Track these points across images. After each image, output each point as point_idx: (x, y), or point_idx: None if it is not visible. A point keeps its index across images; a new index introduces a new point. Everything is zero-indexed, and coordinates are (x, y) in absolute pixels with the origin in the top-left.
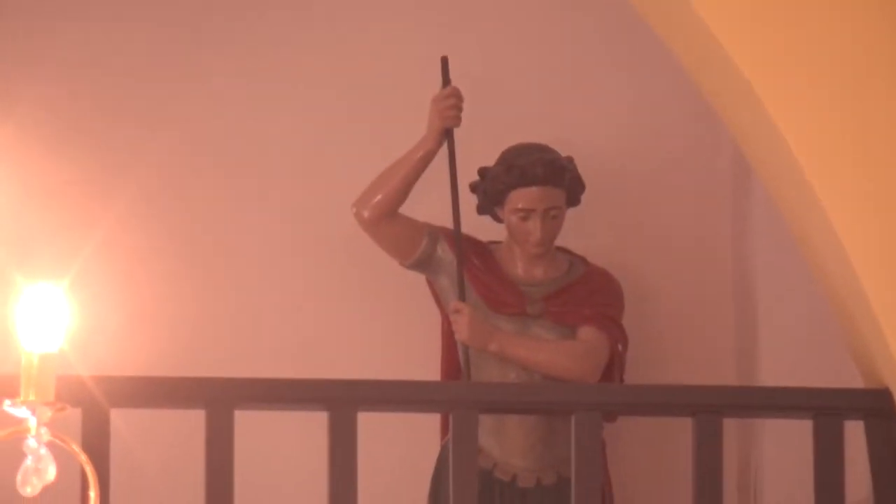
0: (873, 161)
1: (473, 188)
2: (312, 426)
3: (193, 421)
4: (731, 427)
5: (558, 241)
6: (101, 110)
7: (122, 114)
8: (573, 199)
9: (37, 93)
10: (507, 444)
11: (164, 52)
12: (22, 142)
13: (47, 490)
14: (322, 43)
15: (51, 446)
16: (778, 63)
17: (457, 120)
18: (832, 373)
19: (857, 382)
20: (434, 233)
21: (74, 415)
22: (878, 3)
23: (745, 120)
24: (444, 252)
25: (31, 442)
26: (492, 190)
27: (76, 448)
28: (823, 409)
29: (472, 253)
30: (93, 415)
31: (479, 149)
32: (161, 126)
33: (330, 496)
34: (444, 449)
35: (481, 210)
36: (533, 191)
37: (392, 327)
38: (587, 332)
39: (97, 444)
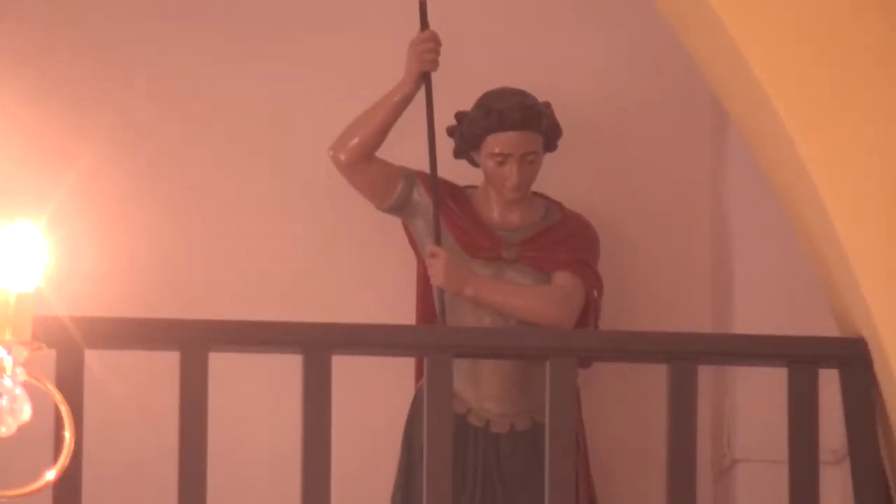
0: (853, 114)
1: (450, 132)
2: (287, 369)
3: (168, 362)
4: (706, 374)
5: (535, 186)
6: (78, 55)
7: (98, 57)
8: (550, 144)
9: (12, 41)
10: (481, 389)
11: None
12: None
13: (22, 429)
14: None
15: (26, 386)
16: (760, 16)
17: (434, 64)
18: (808, 321)
19: (833, 331)
20: (411, 176)
21: (50, 355)
22: None
23: (724, 70)
24: (421, 196)
25: (6, 381)
26: (469, 134)
27: (51, 388)
28: (798, 357)
29: (448, 197)
30: (68, 355)
31: (457, 93)
32: (138, 68)
33: (304, 439)
34: (418, 393)
35: (458, 154)
36: (510, 135)
37: (368, 271)
38: (563, 278)
39: (72, 384)
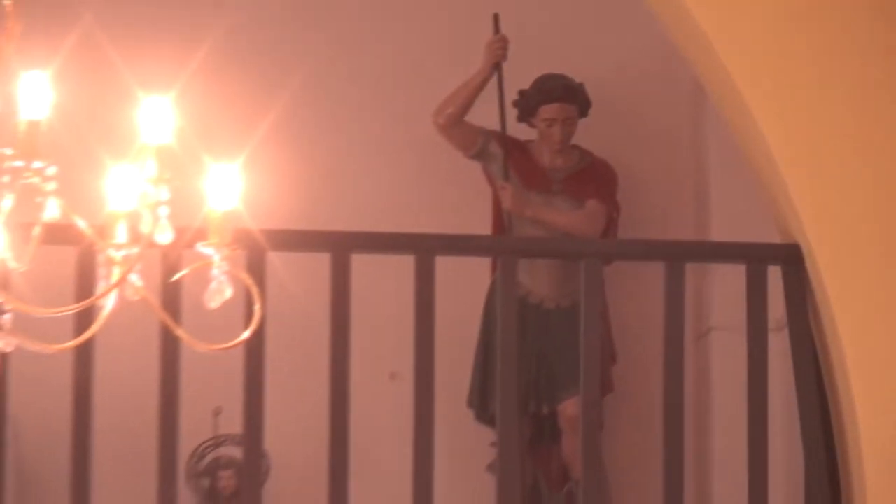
0: (798, 80)
1: (515, 104)
2: (400, 269)
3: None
4: (691, 265)
5: (573, 141)
6: (277, 18)
7: (288, 24)
8: (583, 112)
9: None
10: (536, 278)
11: None
12: (214, 47)
13: (225, 305)
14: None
15: (228, 275)
16: (731, 18)
17: (504, 57)
18: (764, 229)
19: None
20: (487, 134)
21: (243, 255)
22: None
23: (699, 58)
24: (495, 148)
25: (215, 271)
26: (527, 105)
27: (244, 275)
28: (753, 257)
29: (513, 148)
30: (255, 255)
31: (519, 76)
32: (312, 38)
33: (416, 317)
34: (493, 282)
35: (520, 119)
36: (555, 106)
37: (459, 199)
38: (592, 204)
39: (257, 276)
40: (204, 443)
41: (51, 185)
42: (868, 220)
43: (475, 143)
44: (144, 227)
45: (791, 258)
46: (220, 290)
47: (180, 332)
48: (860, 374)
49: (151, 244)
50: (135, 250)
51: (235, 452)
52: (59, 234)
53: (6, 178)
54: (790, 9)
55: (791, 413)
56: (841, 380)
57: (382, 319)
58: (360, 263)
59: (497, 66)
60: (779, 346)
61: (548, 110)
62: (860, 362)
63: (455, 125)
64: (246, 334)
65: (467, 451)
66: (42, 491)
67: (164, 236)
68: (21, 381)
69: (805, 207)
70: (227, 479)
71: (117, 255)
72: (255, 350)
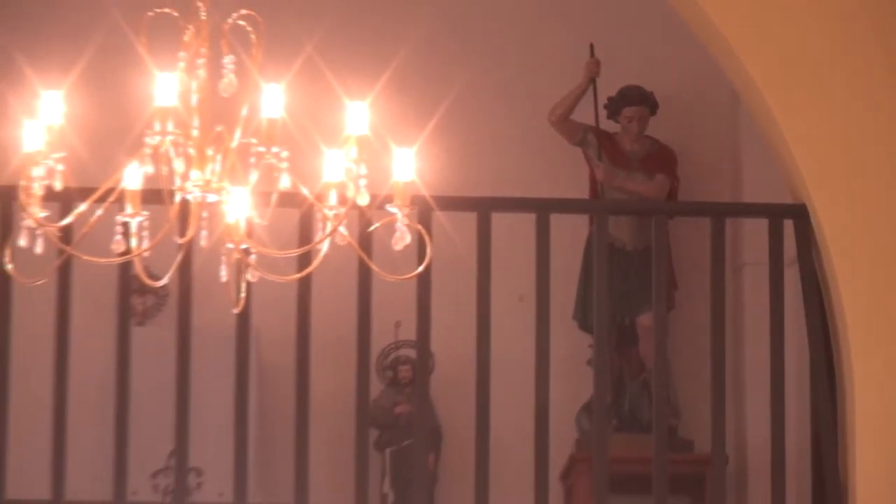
0: (806, 78)
1: (605, 106)
2: (525, 223)
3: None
4: (729, 222)
5: (646, 132)
6: (440, 40)
7: (450, 44)
8: (653, 111)
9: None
10: (621, 229)
11: None
12: (396, 67)
13: (405, 248)
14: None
15: (407, 226)
16: (757, 33)
17: (597, 73)
18: (781, 194)
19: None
20: (586, 128)
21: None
22: None
23: (732, 69)
24: (591, 138)
25: (398, 224)
26: (614, 107)
27: (419, 226)
28: (773, 213)
29: (604, 137)
30: (425, 213)
31: (608, 87)
32: (465, 54)
33: (537, 256)
34: (591, 232)
35: (608, 117)
36: (633, 108)
37: (566, 172)
38: (660, 177)
39: (427, 228)
40: (388, 346)
41: (284, 165)
42: (857, 187)
43: (577, 135)
44: (349, 193)
45: (800, 214)
46: (402, 238)
47: (373, 266)
48: (850, 294)
49: (354, 205)
50: (342, 210)
51: (410, 353)
52: (289, 199)
53: (252, 160)
54: (799, 15)
55: (801, 324)
56: (836, 299)
57: (513, 257)
58: (498, 219)
59: (592, 80)
60: (793, 277)
61: (628, 111)
62: (851, 286)
63: (563, 122)
64: (419, 269)
65: (573, 350)
66: (276, 377)
67: (363, 200)
68: (262, 302)
69: (810, 177)
70: (405, 371)
71: (330, 213)
72: (424, 280)
